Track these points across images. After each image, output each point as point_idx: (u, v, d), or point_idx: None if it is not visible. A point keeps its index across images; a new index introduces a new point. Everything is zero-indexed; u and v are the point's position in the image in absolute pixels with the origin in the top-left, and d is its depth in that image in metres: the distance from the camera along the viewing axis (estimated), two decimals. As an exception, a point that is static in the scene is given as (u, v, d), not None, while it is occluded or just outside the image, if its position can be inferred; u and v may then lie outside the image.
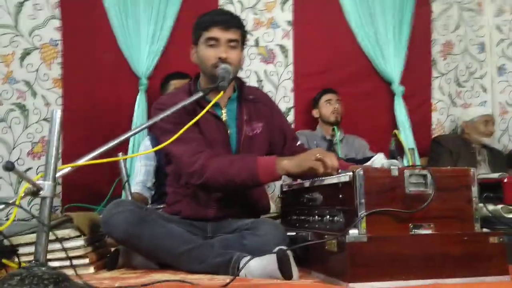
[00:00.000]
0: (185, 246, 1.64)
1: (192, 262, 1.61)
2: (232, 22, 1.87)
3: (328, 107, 3.28)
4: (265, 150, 2.01)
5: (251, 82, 3.37)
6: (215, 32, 1.84)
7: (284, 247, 1.49)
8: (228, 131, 1.91)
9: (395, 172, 1.36)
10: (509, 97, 3.79)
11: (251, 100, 1.98)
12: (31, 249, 1.51)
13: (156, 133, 1.85)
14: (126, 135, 1.44)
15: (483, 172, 3.08)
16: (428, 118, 3.69)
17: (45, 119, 3.13)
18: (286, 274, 1.43)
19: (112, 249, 1.89)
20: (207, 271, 1.59)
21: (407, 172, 1.37)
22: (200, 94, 1.66)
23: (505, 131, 3.78)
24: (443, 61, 3.73)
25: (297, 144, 2.05)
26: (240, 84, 2.00)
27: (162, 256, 1.68)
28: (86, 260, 1.68)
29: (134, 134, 1.58)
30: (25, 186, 1.18)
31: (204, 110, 1.59)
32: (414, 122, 3.55)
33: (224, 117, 1.93)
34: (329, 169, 1.60)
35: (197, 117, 1.55)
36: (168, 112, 1.54)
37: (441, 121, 3.72)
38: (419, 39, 3.64)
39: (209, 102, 1.68)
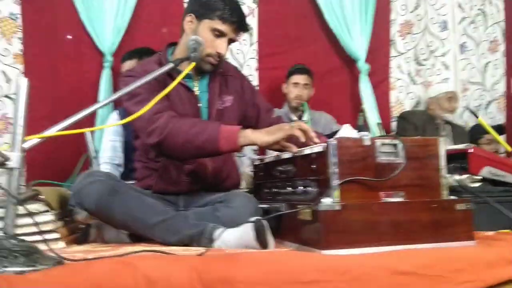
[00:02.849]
0: (159, 217, 1.62)
1: (166, 234, 1.60)
2: (245, 27, 1.87)
3: (293, 90, 3.25)
4: (236, 123, 1.99)
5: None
6: (227, 29, 1.81)
7: (260, 218, 1.50)
8: (199, 104, 1.89)
9: (367, 142, 1.38)
10: (469, 74, 3.89)
11: (221, 74, 1.96)
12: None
13: (124, 98, 1.77)
14: (94, 107, 1.40)
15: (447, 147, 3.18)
16: (387, 96, 3.75)
17: (6, 96, 3.01)
18: (262, 243, 1.45)
19: (82, 226, 1.86)
20: (181, 243, 1.58)
21: (378, 142, 1.40)
22: (171, 65, 1.63)
23: (466, 107, 3.90)
24: (402, 41, 3.78)
25: (273, 116, 2.05)
26: None
27: (135, 227, 1.66)
28: (56, 235, 1.64)
29: (103, 105, 1.53)
30: (-9, 156, 1.13)
31: (177, 79, 1.56)
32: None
33: (196, 90, 1.90)
34: (308, 132, 1.58)
35: (171, 86, 1.53)
36: (140, 81, 1.51)
37: (400, 99, 3.80)
38: (380, 19, 3.67)
39: (180, 73, 1.65)
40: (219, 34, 1.81)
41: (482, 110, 3.87)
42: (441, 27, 3.87)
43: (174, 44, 1.96)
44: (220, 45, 1.81)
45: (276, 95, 3.38)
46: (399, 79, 3.78)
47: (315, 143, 1.54)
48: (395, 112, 3.74)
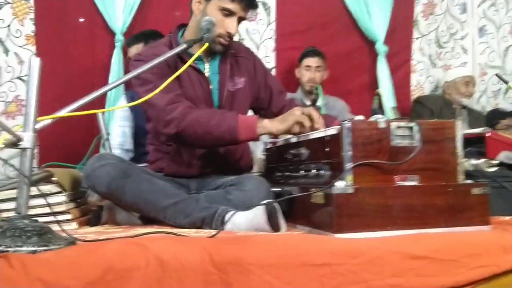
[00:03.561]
0: (170, 200, 1.62)
1: (177, 216, 1.60)
2: (254, 4, 1.85)
3: (305, 73, 3.21)
4: (248, 105, 1.98)
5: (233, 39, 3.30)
6: (236, 7, 1.78)
7: (272, 200, 1.49)
8: (210, 86, 1.87)
9: (382, 124, 1.36)
10: (488, 58, 3.81)
11: (233, 55, 1.94)
12: (11, 205, 1.48)
13: (134, 84, 1.78)
14: (106, 88, 1.40)
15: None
16: (407, 80, 3.69)
17: (19, 78, 3.02)
18: (274, 226, 1.44)
19: (94, 208, 1.87)
20: (192, 225, 1.58)
21: (393, 124, 1.37)
22: (184, 46, 1.61)
23: (484, 92, 3.82)
24: (424, 22, 3.70)
25: (285, 99, 2.02)
26: None
27: (146, 209, 1.66)
28: (69, 216, 1.65)
29: (114, 87, 1.52)
30: (3, 137, 1.14)
31: (190, 61, 1.55)
32: (394, 83, 3.54)
33: (206, 72, 1.88)
34: (316, 122, 1.59)
35: (182, 69, 1.51)
36: (149, 64, 1.49)
37: (421, 83, 3.73)
38: (403, -2, 3.58)
39: (191, 55, 1.64)
40: (228, 13, 1.78)
41: (501, 95, 3.80)
42: (460, 10, 3.79)
43: (184, 25, 1.94)
44: (230, 24, 1.79)
45: (294, 77, 3.33)
46: (420, 62, 3.71)
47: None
48: (415, 96, 3.68)
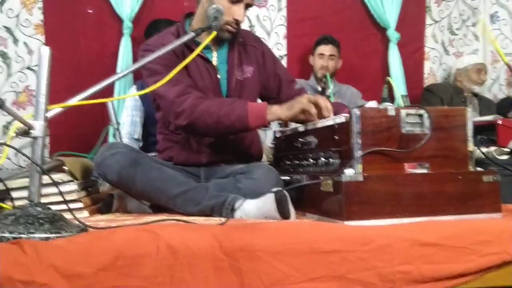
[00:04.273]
0: (180, 188, 1.63)
1: (187, 204, 1.61)
2: None
3: (318, 61, 3.20)
4: (257, 94, 1.98)
5: (242, 27, 3.27)
6: None
7: (281, 188, 1.49)
8: (218, 76, 1.87)
9: (392, 112, 1.35)
10: (501, 45, 3.75)
11: (241, 43, 1.93)
12: (24, 193, 1.50)
13: (143, 75, 1.79)
14: (115, 77, 1.40)
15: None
16: (420, 67, 3.66)
17: (28, 68, 3.04)
18: (284, 214, 1.44)
19: (105, 196, 1.88)
20: (202, 213, 1.59)
21: (403, 112, 1.36)
22: (192, 34, 1.60)
23: (496, 80, 3.78)
24: (437, 8, 3.65)
25: (295, 88, 2.02)
26: None
27: (156, 198, 1.67)
28: (80, 204, 1.67)
29: (122, 76, 1.52)
30: (15, 125, 1.15)
31: (198, 49, 1.54)
32: (407, 71, 3.52)
33: (214, 61, 1.88)
34: (324, 110, 1.59)
35: (190, 58, 1.51)
36: (157, 54, 1.48)
37: (434, 70, 3.70)
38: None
39: (199, 44, 1.63)
40: (235, 0, 1.77)
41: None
42: (472, -4, 3.74)
43: (192, 14, 1.93)
44: (237, 11, 1.78)
45: (305, 64, 3.31)
46: (433, 49, 3.67)
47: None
48: (428, 83, 3.64)
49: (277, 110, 1.67)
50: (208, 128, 1.71)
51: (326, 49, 3.20)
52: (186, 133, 1.82)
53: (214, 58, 1.89)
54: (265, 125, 1.71)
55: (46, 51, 1.18)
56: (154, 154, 2.19)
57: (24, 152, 1.28)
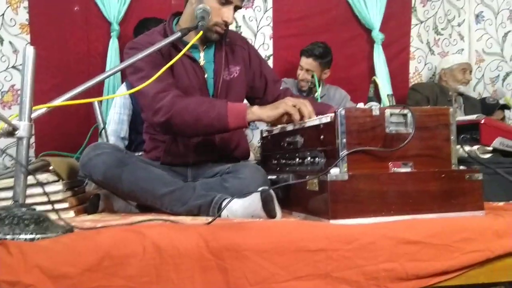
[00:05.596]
0: (167, 188, 1.63)
1: (174, 204, 1.61)
2: None
3: (299, 71, 3.14)
4: (243, 94, 1.98)
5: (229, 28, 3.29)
6: None
7: (267, 188, 1.50)
8: (205, 75, 1.87)
9: (376, 112, 1.37)
10: (485, 45, 3.80)
11: (227, 44, 1.94)
12: (9, 194, 1.49)
13: (127, 72, 1.78)
14: (101, 76, 1.39)
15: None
16: (406, 67, 3.70)
17: (14, 67, 3.01)
18: (270, 213, 1.45)
19: (91, 196, 1.87)
20: (189, 213, 1.59)
21: (388, 112, 1.38)
22: (179, 34, 1.60)
23: (481, 79, 3.83)
24: (422, 8, 3.69)
25: (280, 88, 2.02)
26: None
27: (143, 198, 1.67)
28: (66, 205, 1.66)
29: (109, 75, 1.51)
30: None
31: (185, 49, 1.54)
32: (392, 70, 3.55)
33: (201, 60, 1.88)
34: (305, 116, 1.59)
35: (176, 57, 1.51)
36: (144, 53, 1.48)
37: (419, 70, 3.74)
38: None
39: (186, 43, 1.64)
40: (225, 2, 1.77)
41: (499, 82, 3.79)
42: (457, -5, 3.78)
43: (179, 13, 1.93)
44: (226, 13, 1.78)
45: (291, 64, 3.31)
46: (418, 49, 3.71)
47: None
48: (414, 83, 3.68)
49: (257, 111, 1.66)
50: (186, 126, 1.69)
51: (304, 61, 3.11)
52: (165, 132, 1.80)
53: (201, 58, 1.89)
54: (245, 125, 1.69)
55: (30, 51, 1.17)
56: (140, 154, 2.18)
57: (9, 153, 1.27)
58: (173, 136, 1.83)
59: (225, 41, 1.92)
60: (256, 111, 1.66)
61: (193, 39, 1.63)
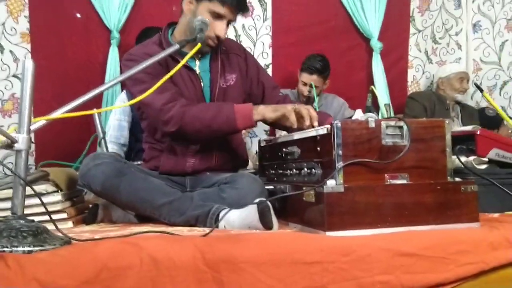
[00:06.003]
0: (165, 199, 1.64)
1: (172, 214, 1.62)
2: (245, 8, 1.87)
3: (301, 87, 3.14)
4: (240, 102, 2.00)
5: (228, 36, 3.29)
6: (226, 11, 1.80)
7: (264, 199, 1.51)
8: (202, 84, 1.89)
9: (372, 124, 1.38)
10: (483, 54, 3.82)
11: (224, 52, 1.95)
12: (7, 204, 1.50)
13: (127, 84, 1.82)
14: (100, 89, 1.40)
15: (456, 128, 3.15)
16: (404, 75, 3.71)
17: (14, 76, 3.03)
18: (266, 224, 1.46)
19: (91, 205, 1.88)
20: (187, 223, 1.60)
21: (383, 124, 1.39)
22: (177, 46, 1.62)
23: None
24: (420, 17, 3.72)
25: (279, 94, 2.04)
26: None
27: (141, 208, 1.68)
28: (64, 215, 1.67)
29: (108, 88, 1.53)
30: (-2, 138, 1.15)
31: (183, 61, 1.57)
32: (391, 79, 3.57)
33: (197, 69, 1.90)
34: (306, 119, 1.61)
35: (176, 68, 1.53)
36: (143, 65, 1.50)
37: (417, 78, 3.75)
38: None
39: (183, 54, 1.66)
40: (218, 16, 1.79)
41: (497, 90, 3.80)
42: (455, 5, 3.80)
43: (174, 23, 1.95)
44: (219, 27, 1.80)
45: (290, 73, 3.32)
46: (416, 58, 3.73)
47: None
48: (412, 91, 3.69)
49: (262, 110, 1.75)
50: (197, 133, 1.77)
51: (308, 78, 3.09)
52: (175, 139, 1.85)
53: (197, 66, 1.91)
54: (253, 125, 1.80)
55: (30, 64, 1.18)
56: (139, 163, 2.20)
57: (7, 166, 1.28)
58: (184, 142, 1.86)
59: (220, 50, 1.94)
60: (262, 110, 1.75)
61: (191, 50, 1.63)
